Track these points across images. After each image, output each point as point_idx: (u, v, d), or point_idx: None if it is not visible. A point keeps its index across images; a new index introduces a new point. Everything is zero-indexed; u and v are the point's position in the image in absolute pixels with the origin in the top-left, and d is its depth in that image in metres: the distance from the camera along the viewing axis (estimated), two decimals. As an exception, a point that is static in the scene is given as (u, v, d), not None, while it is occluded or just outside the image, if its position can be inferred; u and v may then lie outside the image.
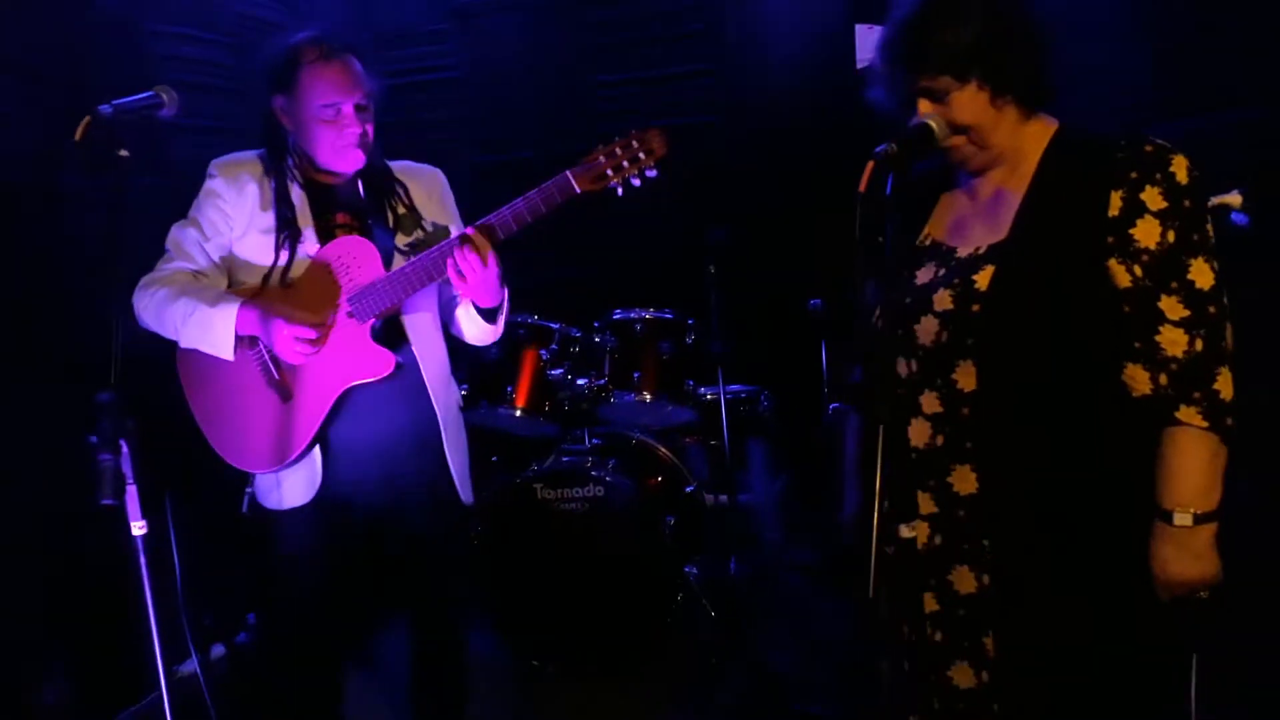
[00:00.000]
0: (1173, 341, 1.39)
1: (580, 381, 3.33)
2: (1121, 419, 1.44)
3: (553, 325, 3.31)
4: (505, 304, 2.26)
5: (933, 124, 1.46)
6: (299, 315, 2.09)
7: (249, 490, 2.27)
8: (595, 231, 3.87)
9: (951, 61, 1.44)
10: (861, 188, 1.48)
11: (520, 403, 3.24)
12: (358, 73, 2.15)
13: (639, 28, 4.23)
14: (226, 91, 3.62)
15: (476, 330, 2.34)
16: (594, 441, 3.40)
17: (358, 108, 2.14)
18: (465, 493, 2.32)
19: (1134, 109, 2.71)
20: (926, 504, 1.55)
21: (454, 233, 2.24)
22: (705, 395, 3.40)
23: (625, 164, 2.02)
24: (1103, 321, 1.43)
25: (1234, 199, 1.83)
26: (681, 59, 4.21)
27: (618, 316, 3.36)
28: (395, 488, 2.26)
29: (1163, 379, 1.40)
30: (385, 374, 2.13)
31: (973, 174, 1.56)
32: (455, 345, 2.41)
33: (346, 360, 2.14)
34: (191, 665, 2.11)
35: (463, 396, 3.26)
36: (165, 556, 2.04)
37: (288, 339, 2.06)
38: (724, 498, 3.42)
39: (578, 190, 2.03)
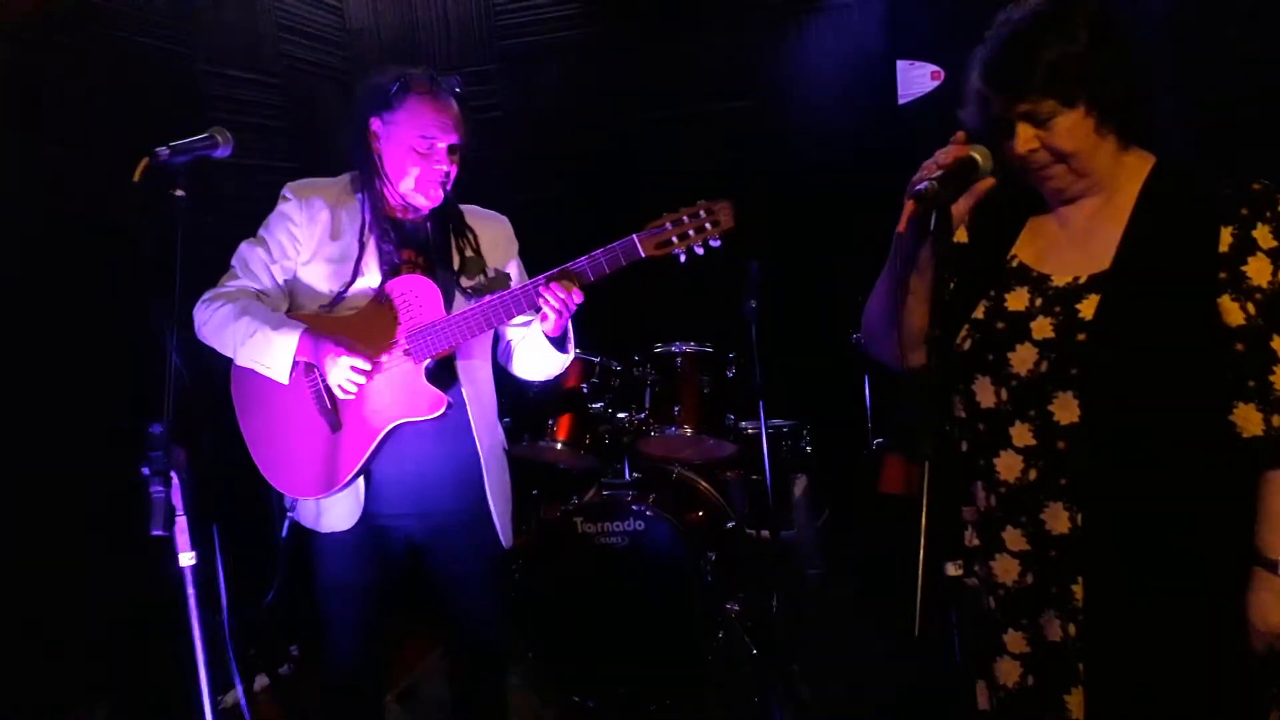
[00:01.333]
0: None
1: (620, 415, 3.33)
2: (1227, 461, 1.40)
3: (593, 358, 3.33)
4: (571, 333, 2.29)
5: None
6: (357, 347, 2.12)
7: (290, 515, 2.30)
8: (636, 266, 3.90)
9: (1059, 84, 1.38)
10: (901, 227, 1.47)
11: (561, 435, 3.25)
12: (459, 116, 2.20)
13: (681, 66, 4.28)
14: (276, 131, 3.73)
15: (545, 361, 2.33)
16: (634, 475, 3.39)
17: (451, 148, 2.18)
18: (505, 536, 2.33)
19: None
20: (1016, 541, 1.50)
21: (514, 280, 2.27)
22: (746, 429, 3.39)
23: (691, 233, 2.04)
24: (1211, 358, 1.39)
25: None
26: (724, 96, 4.25)
27: (658, 350, 3.37)
28: (435, 524, 2.27)
29: (1276, 420, 1.36)
30: (435, 414, 2.15)
31: (1064, 201, 1.51)
32: (499, 381, 2.43)
33: (398, 397, 2.16)
34: (236, 695, 2.12)
35: (505, 428, 3.31)
36: (212, 587, 2.07)
37: (343, 368, 2.09)
38: (765, 533, 3.39)
39: (642, 255, 2.06)
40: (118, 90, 3.06)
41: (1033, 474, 1.47)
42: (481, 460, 2.26)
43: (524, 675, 3.18)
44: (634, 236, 2.06)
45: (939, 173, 1.38)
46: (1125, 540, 1.41)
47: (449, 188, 2.22)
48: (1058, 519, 1.45)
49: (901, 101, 3.55)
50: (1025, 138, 1.42)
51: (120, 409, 2.46)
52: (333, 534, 2.22)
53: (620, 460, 3.38)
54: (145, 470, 1.73)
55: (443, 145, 2.17)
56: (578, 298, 2.09)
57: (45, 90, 2.83)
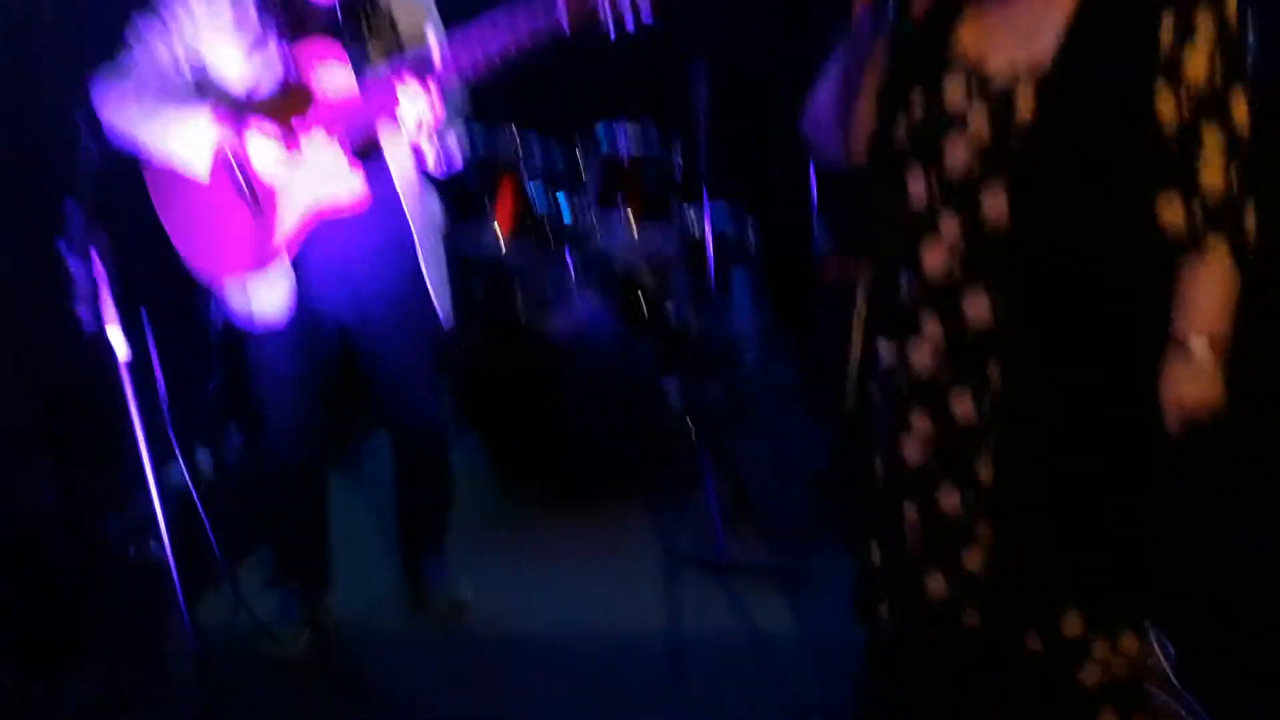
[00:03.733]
0: (1212, 172, 1.37)
1: (562, 204, 3.27)
2: (1146, 249, 1.42)
3: (532, 143, 3.22)
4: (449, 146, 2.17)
5: None
6: (271, 125, 2.02)
7: (219, 304, 2.26)
8: (577, 43, 3.70)
9: None
10: (857, 6, 1.42)
11: (503, 228, 3.19)
12: None
13: None
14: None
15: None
16: (576, 266, 3.38)
17: None
18: (444, 309, 2.31)
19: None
20: (933, 328, 1.53)
21: (432, 38, 2.12)
22: (691, 221, 3.36)
23: None
24: (1143, 152, 1.39)
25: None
26: None
27: (601, 136, 3.27)
28: (370, 305, 2.25)
29: (1197, 208, 1.38)
30: (358, 197, 2.08)
31: None
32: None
33: (319, 179, 2.08)
34: (178, 474, 2.16)
35: (444, 220, 3.24)
36: (148, 371, 2.06)
37: (262, 149, 2.01)
38: (707, 320, 3.45)
39: (565, 25, 1.89)
40: None
41: (957, 265, 1.49)
42: (415, 236, 2.21)
43: (469, 461, 3.28)
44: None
45: None
46: (1045, 324, 1.46)
47: None
48: (978, 307, 1.48)
49: None
50: None
51: (36, 183, 2.35)
52: (266, 324, 2.19)
53: (561, 251, 3.35)
54: (61, 244, 1.68)
55: None
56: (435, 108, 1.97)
57: None
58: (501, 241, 3.22)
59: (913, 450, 1.58)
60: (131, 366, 1.81)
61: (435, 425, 2.51)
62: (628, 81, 3.65)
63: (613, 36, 1.92)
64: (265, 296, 2.17)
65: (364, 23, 2.12)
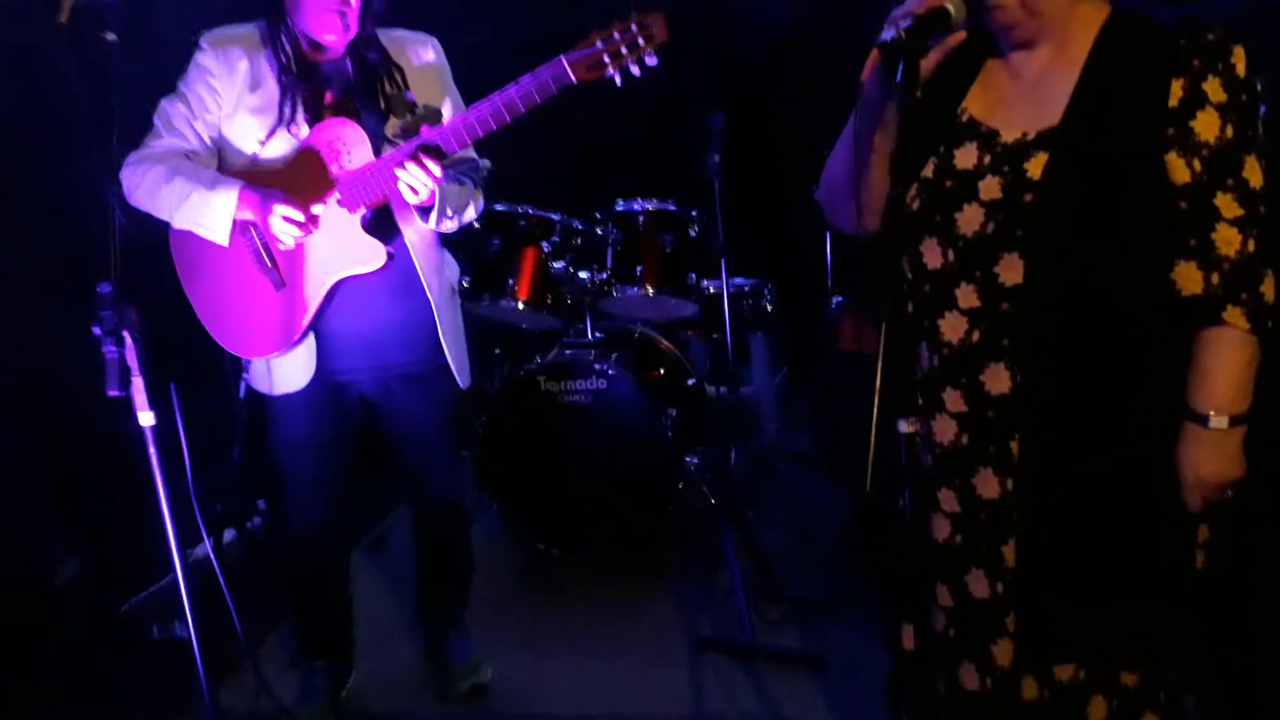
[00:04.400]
0: (1227, 240, 1.35)
1: (583, 274, 3.31)
2: (1165, 320, 1.40)
3: (553, 217, 3.27)
4: (448, 205, 2.17)
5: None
6: (290, 199, 2.05)
7: (245, 377, 2.29)
8: (595, 117, 3.78)
9: None
10: (864, 77, 1.41)
11: (523, 295, 3.22)
12: None
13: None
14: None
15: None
16: (597, 335, 3.40)
17: None
18: (463, 378, 2.32)
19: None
20: (955, 402, 1.51)
21: (448, 112, 2.18)
22: (708, 288, 3.39)
23: (624, 50, 1.91)
24: (1157, 216, 1.37)
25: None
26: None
27: (620, 208, 3.31)
28: (390, 377, 2.27)
29: (1214, 278, 1.36)
30: (377, 266, 2.11)
31: (1015, 46, 1.46)
32: (460, 234, 2.38)
33: (338, 250, 2.11)
34: (204, 549, 2.15)
35: (465, 289, 3.28)
36: (174, 446, 2.07)
37: (278, 219, 2.04)
38: (725, 390, 3.45)
39: (574, 79, 1.93)
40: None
41: (975, 335, 1.46)
42: (433, 308, 2.23)
43: (489, 527, 3.27)
44: (561, 58, 1.93)
45: (907, 22, 1.33)
46: (1064, 397, 1.43)
47: (352, 20, 2.08)
48: (998, 379, 1.46)
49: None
50: None
51: (66, 266, 2.39)
52: (286, 395, 2.20)
53: (582, 320, 3.38)
54: (97, 330, 1.70)
55: None
56: (435, 173, 1.99)
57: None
58: (522, 311, 3.25)
59: (941, 529, 1.56)
60: (158, 442, 1.82)
61: (455, 495, 2.51)
62: (646, 155, 3.71)
63: (619, 84, 1.94)
64: (287, 367, 2.18)
65: (380, 95, 2.17)
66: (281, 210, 2.03)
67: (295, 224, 2.04)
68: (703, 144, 2.98)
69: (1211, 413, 1.38)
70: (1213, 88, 1.34)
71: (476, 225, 3.26)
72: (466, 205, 2.25)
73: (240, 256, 2.15)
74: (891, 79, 1.35)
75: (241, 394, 2.33)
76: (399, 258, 2.16)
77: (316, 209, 2.09)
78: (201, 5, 2.33)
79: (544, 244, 3.25)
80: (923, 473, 1.57)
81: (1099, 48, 1.41)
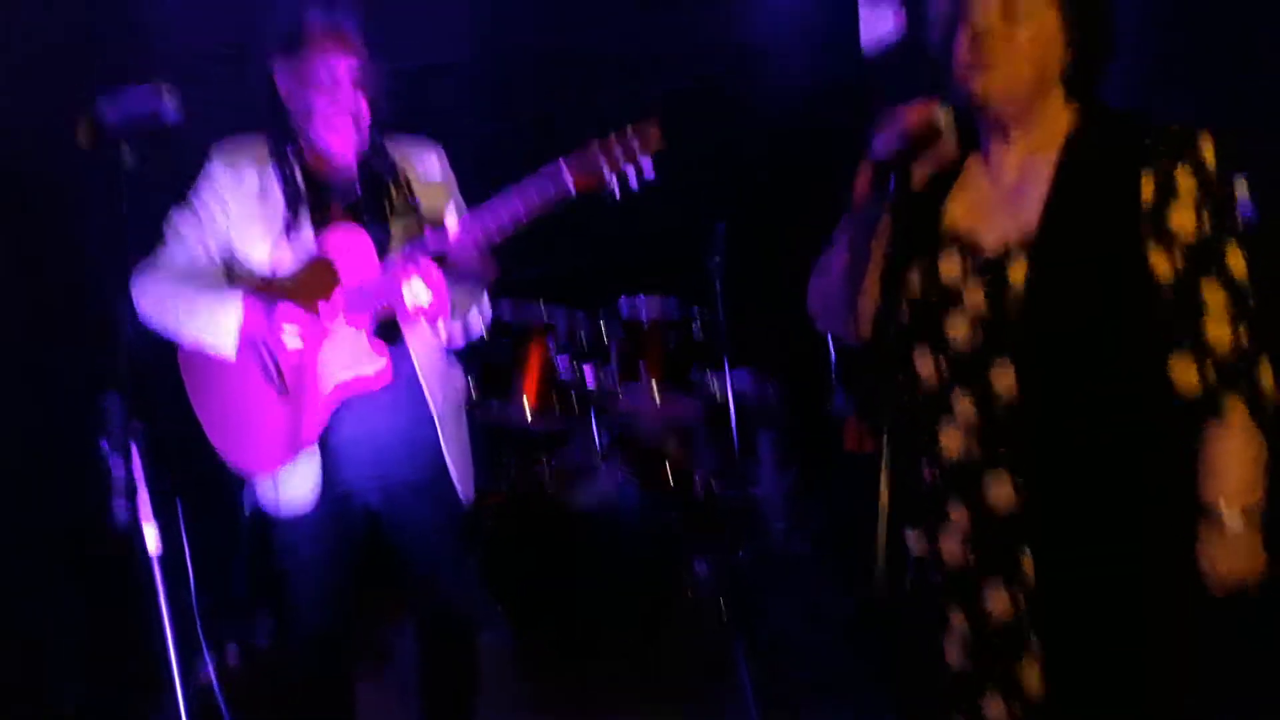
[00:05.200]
0: (1218, 332, 1.34)
1: (587, 373, 3.31)
2: (1165, 417, 1.39)
3: (557, 315, 3.30)
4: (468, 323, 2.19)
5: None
6: (295, 307, 2.06)
7: (249, 493, 2.27)
8: (598, 219, 3.84)
9: None
10: (856, 188, 1.43)
11: (528, 397, 3.23)
12: (357, 42, 2.11)
13: (641, 16, 4.19)
14: (233, 81, 3.57)
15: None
16: (602, 435, 3.38)
17: (354, 77, 2.09)
18: (465, 490, 2.29)
19: (1135, 91, 2.67)
20: (960, 517, 1.47)
21: (453, 219, 2.16)
22: (713, 386, 3.39)
23: (620, 156, 1.93)
24: (1143, 313, 1.37)
25: (1239, 186, 1.79)
26: (683, 44, 4.16)
27: (623, 306, 3.34)
28: (394, 491, 2.24)
29: (1210, 371, 1.35)
30: (380, 373, 2.10)
31: (991, 130, 1.47)
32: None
33: (342, 360, 2.11)
34: (207, 668, 2.09)
35: (470, 391, 3.28)
36: (179, 560, 2.04)
37: (285, 328, 2.04)
38: (732, 490, 3.42)
39: (572, 190, 1.95)
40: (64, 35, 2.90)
41: (975, 447, 1.44)
42: (435, 417, 2.21)
43: (495, 635, 3.19)
44: (560, 162, 1.95)
45: (898, 138, 1.36)
46: (1071, 507, 1.40)
47: (364, 126, 2.12)
48: (1001, 491, 1.43)
49: (864, 44, 3.47)
50: (993, 15, 1.37)
51: (74, 380, 2.39)
52: (291, 509, 2.18)
53: (587, 420, 3.37)
54: (104, 444, 1.69)
55: (343, 71, 2.07)
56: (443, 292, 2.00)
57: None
58: (528, 411, 3.25)
59: (954, 652, 1.50)
60: (163, 561, 1.79)
61: (461, 607, 2.44)
62: (648, 254, 3.76)
63: (618, 197, 1.97)
64: (292, 481, 2.16)
65: (386, 205, 2.19)
66: (287, 316, 2.04)
67: (301, 333, 2.05)
68: (705, 246, 3.03)
69: (1223, 506, 1.36)
70: (1184, 177, 1.35)
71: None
72: (471, 310, 2.26)
73: (246, 368, 2.14)
74: (884, 190, 1.37)
75: (246, 509, 2.31)
76: (403, 367, 2.15)
77: (322, 316, 2.10)
78: (216, 118, 2.38)
79: (548, 343, 3.27)
80: (930, 592, 1.53)
81: (1070, 147, 1.43)
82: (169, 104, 1.82)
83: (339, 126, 2.10)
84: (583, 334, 3.34)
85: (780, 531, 3.71)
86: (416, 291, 2.01)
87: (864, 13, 3.55)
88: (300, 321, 2.05)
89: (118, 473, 1.70)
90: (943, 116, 1.39)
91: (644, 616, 3.02)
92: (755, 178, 3.99)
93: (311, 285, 2.11)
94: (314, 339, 2.09)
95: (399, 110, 2.23)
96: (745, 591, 3.18)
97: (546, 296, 3.30)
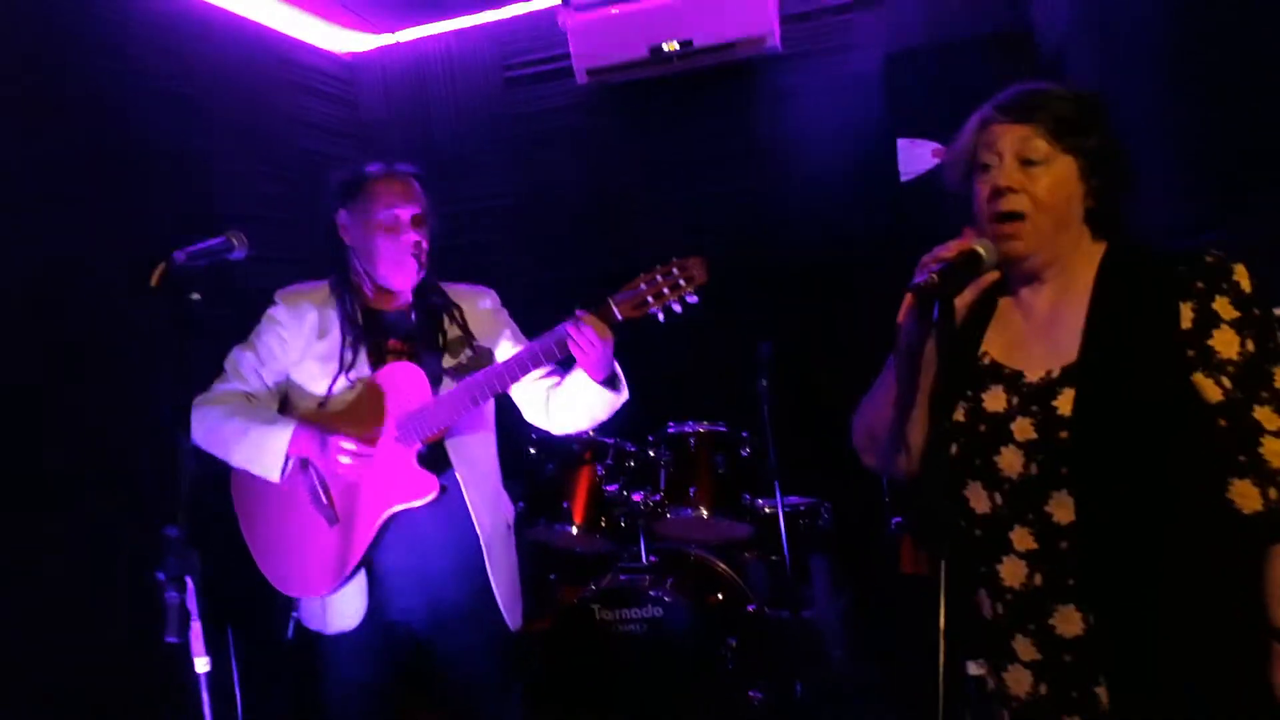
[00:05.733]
0: (1276, 453, 1.34)
1: (636, 497, 3.30)
2: (1229, 540, 1.37)
3: (607, 440, 3.32)
4: (620, 373, 2.25)
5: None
6: (346, 430, 2.13)
7: (295, 615, 2.28)
8: (646, 346, 3.90)
9: (1064, 128, 1.42)
10: (900, 319, 1.46)
11: (577, 519, 3.22)
12: (417, 189, 2.28)
13: (685, 149, 4.35)
14: (290, 223, 3.79)
15: (598, 406, 2.27)
16: (651, 558, 3.34)
17: (415, 219, 2.24)
18: (512, 618, 2.29)
19: (1170, 223, 2.68)
20: (1027, 650, 1.45)
21: (499, 355, 2.29)
22: (763, 509, 3.35)
23: (666, 290, 2.02)
24: (1196, 438, 1.37)
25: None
26: (726, 177, 4.30)
27: (672, 430, 3.36)
28: (440, 614, 2.24)
29: (1272, 493, 1.34)
30: (428, 498, 2.14)
31: (1025, 279, 1.50)
32: (517, 465, 2.42)
33: (392, 485, 2.16)
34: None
35: (519, 512, 3.29)
36: (227, 691, 2.04)
37: (337, 451, 2.10)
38: (787, 614, 3.33)
39: (619, 318, 2.05)
40: (132, 186, 3.12)
41: (1038, 578, 1.43)
42: (482, 544, 2.23)
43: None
44: (609, 299, 2.05)
45: (939, 266, 1.38)
46: (1142, 634, 1.37)
47: (424, 261, 2.25)
48: (1069, 622, 1.41)
49: (903, 179, 3.58)
50: (1010, 169, 1.43)
51: (133, 507, 2.46)
52: (340, 634, 2.20)
53: (636, 543, 3.34)
54: (160, 575, 1.72)
55: (406, 216, 2.22)
56: (609, 341, 2.06)
57: (58, 187, 2.88)
58: (577, 535, 3.23)
59: None
60: (212, 691, 1.80)
61: None
62: (695, 380, 3.80)
63: (661, 320, 2.05)
64: (340, 605, 2.18)
65: (440, 337, 2.29)
66: (339, 444, 2.10)
67: (352, 455, 2.11)
68: (752, 370, 3.05)
69: None
70: (1223, 306, 1.36)
71: (532, 451, 3.33)
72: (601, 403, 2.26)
73: (297, 495, 2.20)
74: (927, 319, 1.39)
75: (290, 634, 2.31)
76: (450, 492, 2.19)
77: (373, 443, 2.16)
78: (277, 260, 2.51)
79: (598, 467, 3.28)
80: None
81: (1102, 280, 1.45)
82: (237, 245, 1.96)
83: (404, 261, 2.23)
84: (632, 460, 3.35)
85: (839, 659, 3.59)
86: (586, 334, 2.04)
87: (902, 145, 3.64)
88: (350, 449, 2.10)
89: (172, 604, 1.73)
90: (983, 248, 1.42)
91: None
92: (799, 303, 4.04)
93: (363, 413, 2.19)
94: (363, 467, 2.13)
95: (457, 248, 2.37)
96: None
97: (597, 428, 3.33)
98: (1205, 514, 1.37)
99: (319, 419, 2.20)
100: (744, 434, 3.34)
